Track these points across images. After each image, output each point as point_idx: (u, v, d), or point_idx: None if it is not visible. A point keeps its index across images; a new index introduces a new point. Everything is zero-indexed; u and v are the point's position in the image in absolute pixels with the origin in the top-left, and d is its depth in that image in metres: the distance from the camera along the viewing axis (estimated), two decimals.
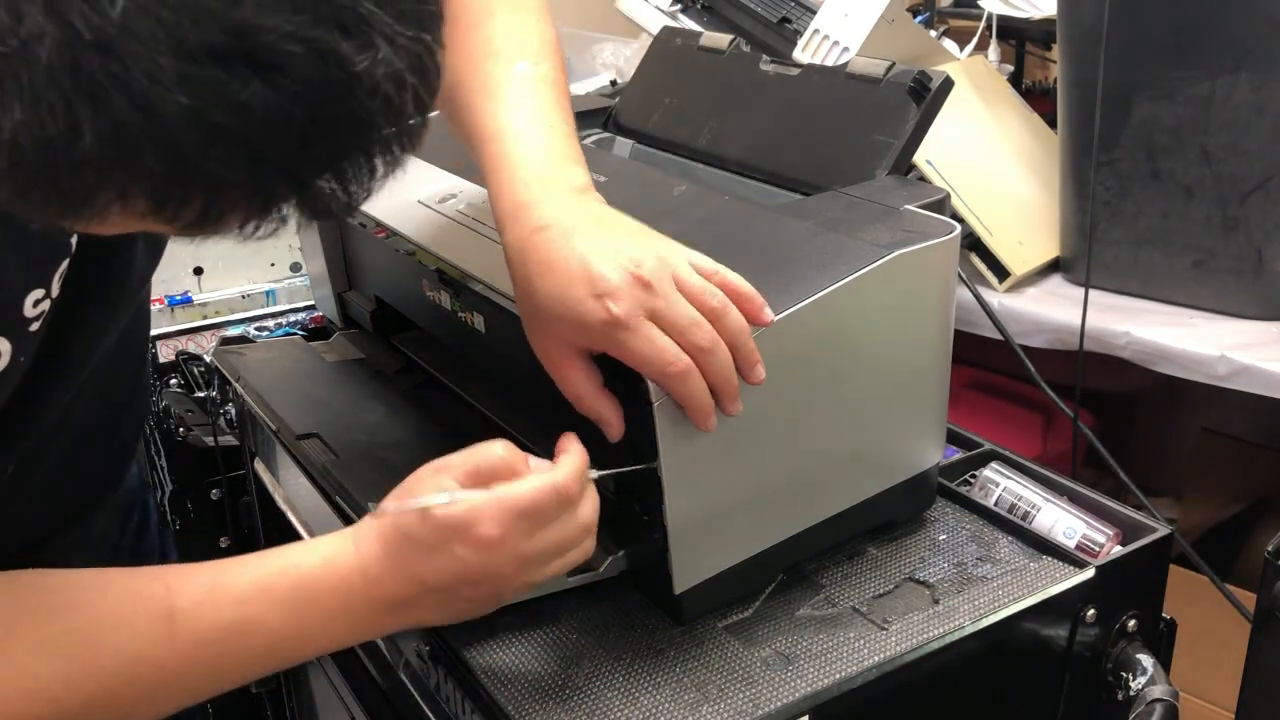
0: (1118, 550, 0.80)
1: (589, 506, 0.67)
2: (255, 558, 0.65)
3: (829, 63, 1.43)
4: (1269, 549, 0.82)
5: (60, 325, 0.65)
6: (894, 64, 0.89)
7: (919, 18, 1.82)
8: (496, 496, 0.63)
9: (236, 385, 1.04)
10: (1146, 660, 0.79)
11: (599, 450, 0.69)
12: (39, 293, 0.61)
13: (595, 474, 0.68)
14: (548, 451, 0.68)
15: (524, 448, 0.66)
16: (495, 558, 0.63)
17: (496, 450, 0.65)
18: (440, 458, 0.66)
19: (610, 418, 0.67)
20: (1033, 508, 0.84)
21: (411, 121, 0.49)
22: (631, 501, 0.73)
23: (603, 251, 0.63)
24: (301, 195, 0.48)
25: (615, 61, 1.93)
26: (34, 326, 0.62)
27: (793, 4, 1.60)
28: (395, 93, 0.46)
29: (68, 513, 0.79)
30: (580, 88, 1.79)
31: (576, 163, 0.71)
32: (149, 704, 0.63)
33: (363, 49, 0.44)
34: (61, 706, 0.60)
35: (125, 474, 0.88)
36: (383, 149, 0.49)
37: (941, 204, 0.82)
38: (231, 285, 1.49)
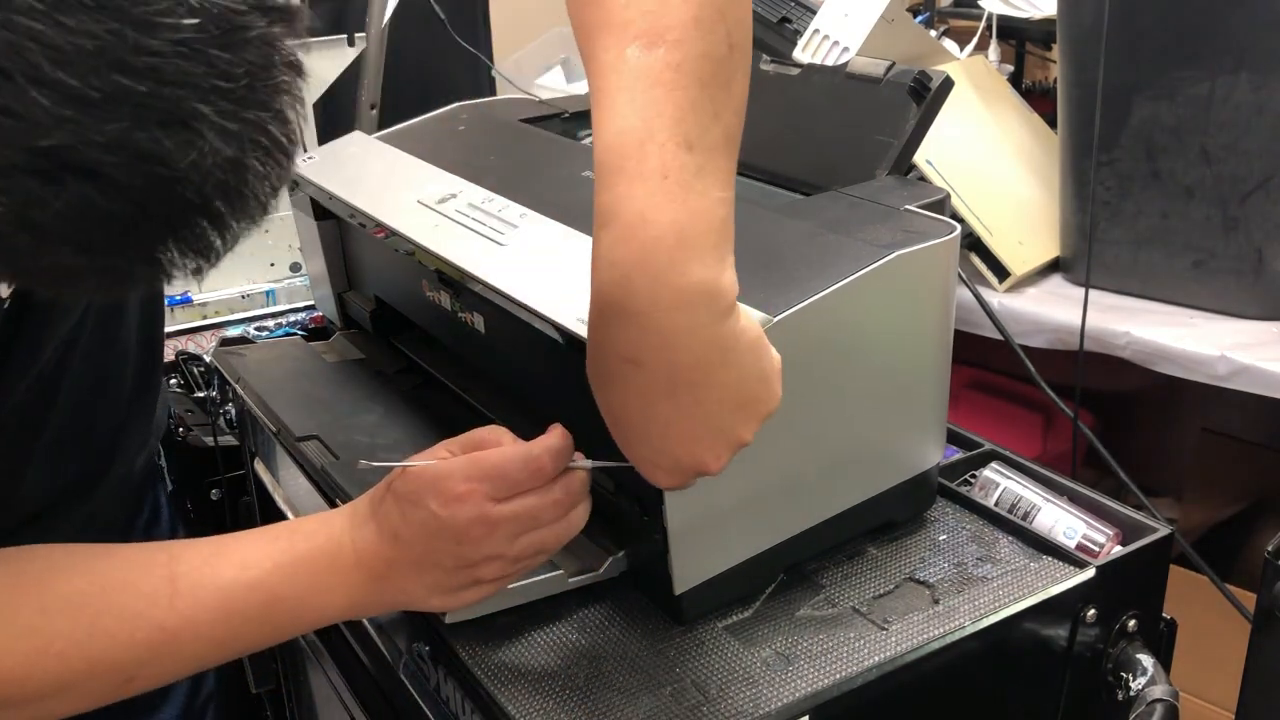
0: (1118, 550, 0.80)
1: (564, 488, 0.67)
2: (258, 529, 0.69)
3: (829, 63, 1.43)
4: (1269, 549, 0.82)
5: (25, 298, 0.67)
6: (894, 64, 0.89)
7: (919, 18, 1.82)
8: (469, 457, 0.66)
9: (236, 386, 1.04)
10: (1147, 660, 0.79)
11: (601, 450, 0.69)
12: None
13: (584, 463, 0.68)
14: None
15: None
16: (461, 512, 0.64)
17: (486, 429, 0.69)
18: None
19: None
20: (1033, 508, 0.84)
21: (259, 192, 0.48)
22: (631, 502, 0.73)
23: (686, 438, 0.57)
24: (146, 269, 0.48)
25: None
26: (3, 294, 0.63)
27: (793, 4, 1.60)
28: (231, 176, 0.46)
29: (70, 483, 0.79)
30: (580, 87, 1.79)
31: (696, 241, 0.54)
32: (153, 665, 0.65)
33: (188, 145, 0.44)
34: (67, 665, 0.62)
35: (129, 450, 0.87)
36: (226, 222, 0.48)
37: (941, 204, 0.82)
38: (231, 285, 1.49)
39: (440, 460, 0.67)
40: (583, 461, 0.68)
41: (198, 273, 0.50)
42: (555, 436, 0.67)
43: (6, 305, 0.64)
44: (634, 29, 0.54)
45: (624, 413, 0.58)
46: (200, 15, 0.43)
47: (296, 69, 0.48)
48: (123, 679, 0.65)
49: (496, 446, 0.68)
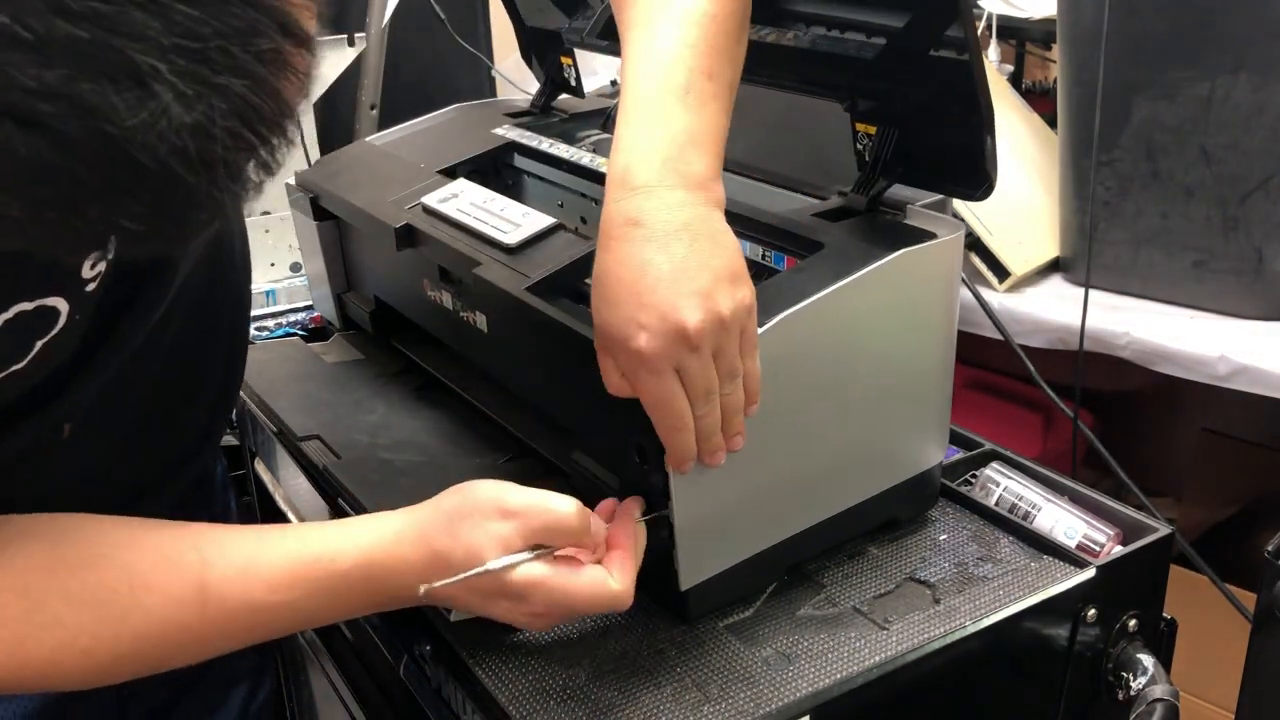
0: (1118, 550, 0.80)
1: (619, 589, 0.68)
2: (294, 537, 0.68)
3: None
4: (1269, 549, 0.82)
5: (117, 289, 0.66)
6: None
7: None
8: (556, 584, 0.66)
9: None
10: (1147, 660, 0.79)
11: (604, 445, 0.69)
12: (96, 254, 0.61)
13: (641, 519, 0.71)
14: (556, 447, 0.68)
15: (528, 452, 0.66)
16: (535, 623, 0.68)
17: (567, 516, 0.67)
18: (505, 483, 0.68)
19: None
20: (1033, 508, 0.84)
21: (237, 163, 0.46)
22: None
23: (672, 286, 0.61)
24: (114, 233, 0.46)
25: (615, 61, 1.93)
26: (90, 287, 0.62)
27: None
28: (193, 143, 0.43)
29: (137, 482, 0.79)
30: None
31: (702, 145, 0.65)
32: (177, 659, 0.67)
33: (138, 103, 0.41)
34: (91, 659, 0.63)
35: (200, 456, 0.87)
36: (196, 191, 0.45)
37: (942, 204, 0.82)
38: None
39: (517, 561, 0.65)
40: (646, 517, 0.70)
41: (181, 241, 0.48)
42: (630, 564, 0.68)
43: (79, 320, 0.63)
44: None
45: (619, 267, 0.62)
46: None
47: (298, 38, 0.46)
48: (147, 669, 0.67)
49: (573, 543, 0.67)
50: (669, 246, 0.62)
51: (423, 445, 0.91)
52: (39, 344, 0.61)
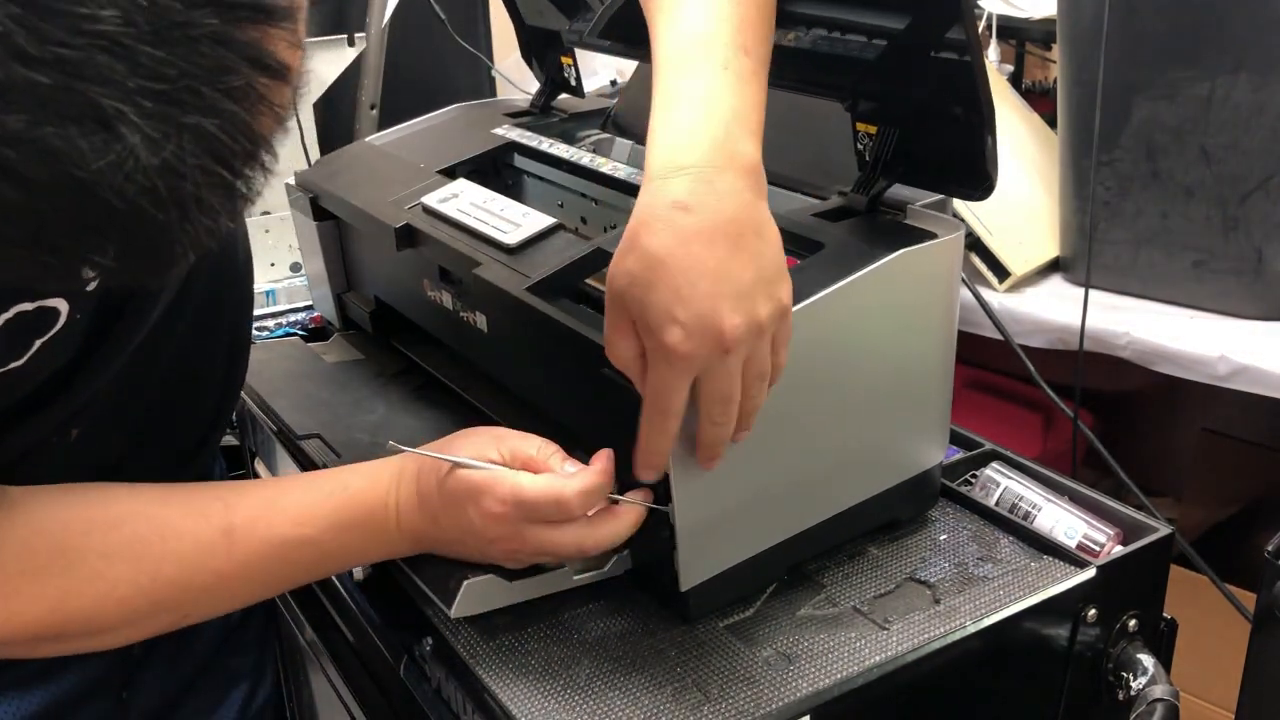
0: (1118, 550, 0.80)
1: (583, 529, 0.70)
2: (308, 479, 0.75)
3: None
4: (1269, 549, 0.82)
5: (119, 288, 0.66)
6: None
7: None
8: (511, 480, 0.69)
9: None
10: (1147, 660, 0.79)
11: (604, 445, 0.69)
12: None
13: (624, 500, 0.71)
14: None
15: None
16: (493, 527, 0.70)
17: (538, 444, 0.72)
18: (499, 428, 0.74)
19: (638, 381, 0.65)
20: (1034, 508, 0.84)
21: (212, 200, 0.45)
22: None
23: (715, 285, 0.59)
24: (86, 268, 0.45)
25: (615, 61, 1.93)
26: (91, 286, 0.62)
27: None
28: (163, 183, 0.42)
29: (139, 481, 0.79)
30: None
31: (747, 125, 0.63)
32: (208, 605, 0.73)
33: (104, 145, 0.41)
34: (129, 607, 0.68)
35: (201, 456, 0.87)
36: (171, 229, 0.45)
37: (942, 204, 0.82)
38: None
39: (484, 467, 0.70)
40: (621, 498, 0.71)
41: (158, 274, 0.48)
42: (590, 477, 0.69)
43: (79, 320, 0.63)
44: None
45: (664, 254, 0.59)
46: (125, 9, 0.40)
47: (273, 72, 0.45)
48: (180, 616, 0.71)
49: (542, 467, 0.71)
50: (716, 241, 0.59)
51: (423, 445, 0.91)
52: (38, 343, 0.62)
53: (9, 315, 0.59)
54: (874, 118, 0.81)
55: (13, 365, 0.61)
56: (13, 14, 0.39)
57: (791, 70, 0.85)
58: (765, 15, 0.68)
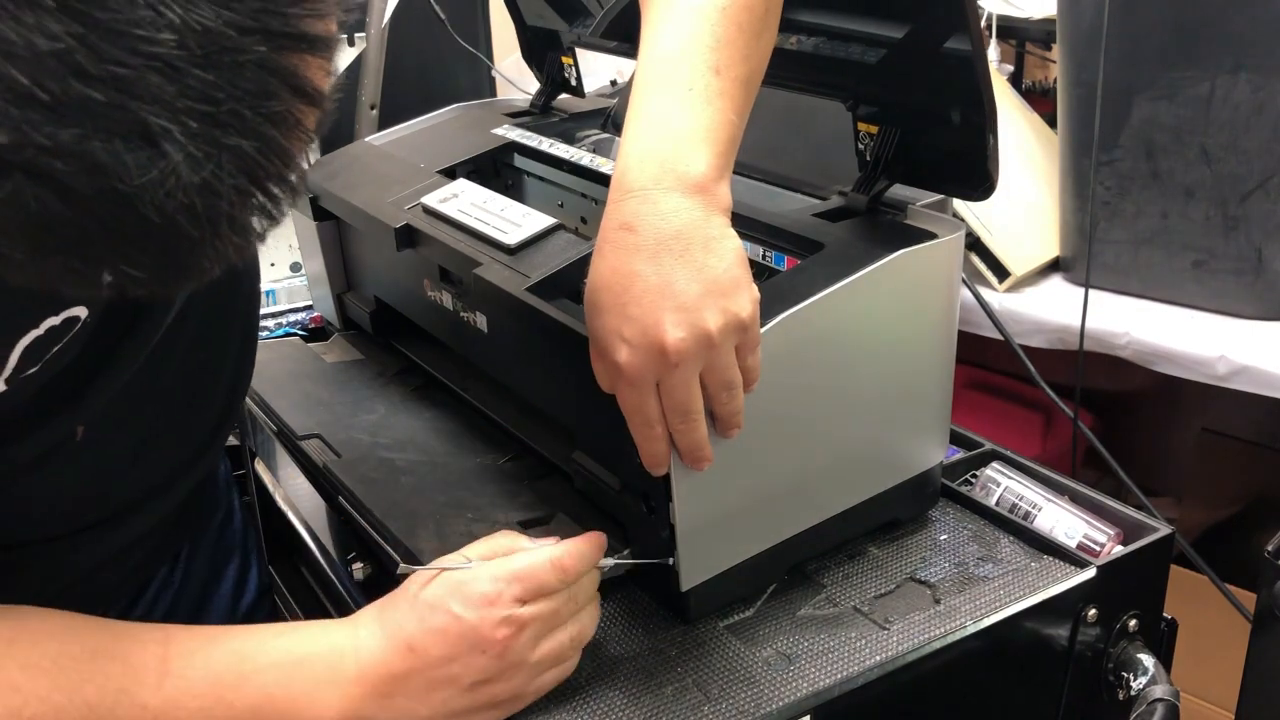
0: (1118, 550, 0.80)
1: (586, 600, 0.69)
2: (260, 625, 0.67)
3: None
4: (1269, 549, 0.82)
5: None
6: None
7: None
8: (497, 561, 0.67)
9: None
10: (1147, 660, 0.79)
11: (604, 445, 0.69)
12: None
13: (605, 562, 0.70)
14: (556, 447, 0.68)
15: (528, 452, 0.66)
16: (488, 615, 0.64)
17: (501, 535, 0.70)
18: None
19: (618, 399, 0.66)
20: (1034, 508, 0.84)
21: (241, 219, 0.46)
22: (637, 499, 0.72)
23: (657, 300, 0.60)
24: (115, 278, 0.46)
25: (615, 61, 1.93)
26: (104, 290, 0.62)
27: None
28: (199, 201, 0.44)
29: (148, 481, 0.79)
30: None
31: (704, 143, 0.63)
32: None
33: (149, 162, 0.42)
34: None
35: (209, 454, 0.86)
36: (201, 244, 0.46)
37: (943, 204, 0.82)
38: None
39: (466, 565, 0.66)
40: (613, 560, 0.71)
41: (183, 286, 0.49)
42: (583, 540, 0.68)
43: (89, 321, 0.63)
44: None
45: (608, 274, 0.61)
46: (181, 33, 0.41)
47: (310, 98, 0.46)
48: None
49: (518, 550, 0.68)
50: (659, 257, 0.60)
51: (423, 444, 0.91)
52: (54, 349, 0.62)
53: (39, 333, 0.60)
54: (875, 118, 0.81)
55: (29, 372, 0.61)
56: (75, 33, 0.40)
57: (793, 71, 0.85)
58: (750, 32, 0.66)
